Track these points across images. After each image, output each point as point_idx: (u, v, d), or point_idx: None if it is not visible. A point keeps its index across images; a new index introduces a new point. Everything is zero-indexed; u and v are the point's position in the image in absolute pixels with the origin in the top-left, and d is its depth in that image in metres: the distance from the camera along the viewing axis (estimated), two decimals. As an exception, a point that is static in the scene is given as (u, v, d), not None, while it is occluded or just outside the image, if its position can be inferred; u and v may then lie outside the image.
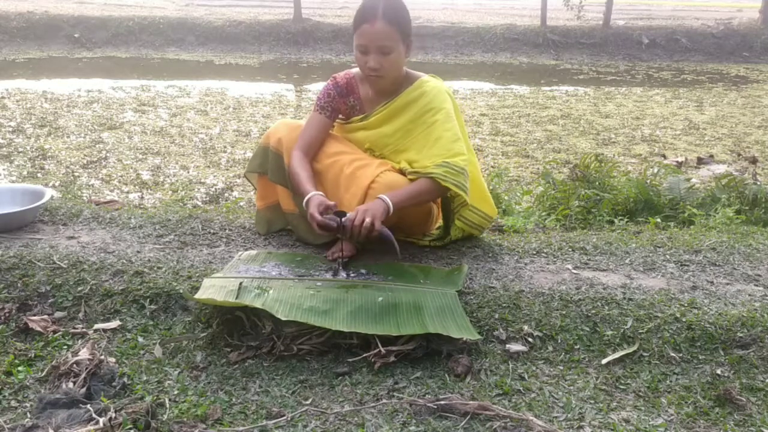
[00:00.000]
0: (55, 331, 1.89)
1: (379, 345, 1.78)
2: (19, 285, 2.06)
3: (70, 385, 1.61)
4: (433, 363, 1.79)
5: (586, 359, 1.85)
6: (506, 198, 3.62)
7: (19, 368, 1.72)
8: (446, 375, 1.74)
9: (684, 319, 1.94)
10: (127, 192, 4.29)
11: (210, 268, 2.17)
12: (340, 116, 2.45)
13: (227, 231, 2.57)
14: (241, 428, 1.51)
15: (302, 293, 1.93)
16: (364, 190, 2.20)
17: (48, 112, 6.62)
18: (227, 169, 4.92)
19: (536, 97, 8.74)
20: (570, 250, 2.47)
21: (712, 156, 5.79)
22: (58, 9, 13.56)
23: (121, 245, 2.35)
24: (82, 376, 1.63)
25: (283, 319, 1.77)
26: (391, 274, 2.14)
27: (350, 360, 1.78)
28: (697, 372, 1.80)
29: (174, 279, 2.09)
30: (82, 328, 1.92)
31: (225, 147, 5.56)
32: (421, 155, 2.26)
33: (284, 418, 1.55)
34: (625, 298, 2.05)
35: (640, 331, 1.91)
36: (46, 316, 1.95)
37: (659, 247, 2.53)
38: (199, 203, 4.03)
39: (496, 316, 1.97)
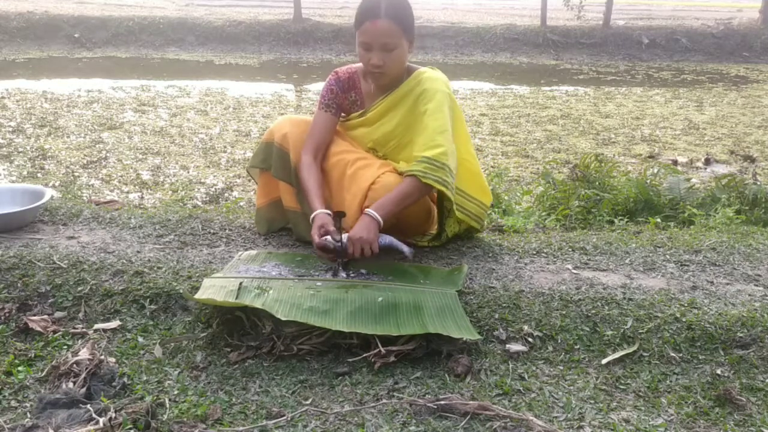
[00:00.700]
0: (55, 331, 1.89)
1: (379, 345, 1.78)
2: (19, 285, 2.06)
3: (70, 385, 1.61)
4: (433, 363, 1.79)
5: (586, 359, 1.85)
6: (506, 198, 3.62)
7: (19, 368, 1.71)
8: (446, 375, 1.74)
9: (684, 319, 1.94)
10: (127, 192, 4.29)
11: (210, 268, 2.17)
12: (342, 113, 2.45)
13: (227, 231, 2.57)
14: (241, 428, 1.51)
15: (302, 293, 1.93)
16: (365, 191, 2.21)
17: (48, 112, 6.62)
18: (227, 169, 4.92)
19: (536, 97, 8.74)
20: (570, 250, 2.47)
21: (710, 157, 5.79)
22: (58, 9, 13.56)
23: (121, 245, 2.35)
24: (82, 376, 1.63)
25: (283, 319, 1.77)
26: (391, 274, 2.14)
27: (350, 360, 1.78)
28: (697, 372, 1.80)
29: (174, 279, 2.09)
30: (82, 328, 1.92)
31: (225, 147, 5.56)
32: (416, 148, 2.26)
33: (284, 418, 1.55)
34: (625, 298, 2.05)
35: (640, 331, 1.91)
36: (46, 316, 1.95)
37: (659, 247, 2.53)
38: (199, 203, 4.03)
39: (496, 316, 1.97)
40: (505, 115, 7.38)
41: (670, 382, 1.77)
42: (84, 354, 1.71)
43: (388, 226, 2.17)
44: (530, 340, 1.90)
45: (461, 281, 2.08)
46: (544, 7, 14.10)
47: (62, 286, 2.06)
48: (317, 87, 8.95)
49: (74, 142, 5.53)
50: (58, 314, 1.97)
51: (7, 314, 1.95)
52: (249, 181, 4.51)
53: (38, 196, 2.54)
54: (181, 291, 2.01)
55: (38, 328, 1.88)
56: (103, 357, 1.71)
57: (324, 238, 2.07)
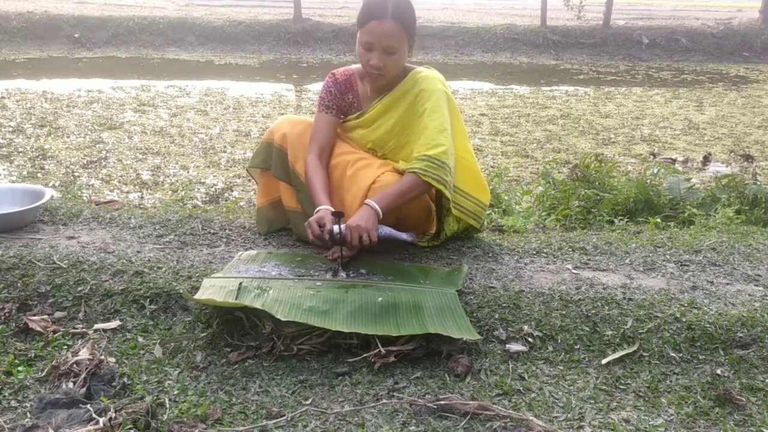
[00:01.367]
0: (55, 331, 1.89)
1: (379, 345, 1.78)
2: (19, 285, 2.06)
3: (70, 385, 1.61)
4: (433, 363, 1.79)
5: (586, 359, 1.85)
6: (506, 198, 3.61)
7: (19, 368, 1.71)
8: (446, 375, 1.74)
9: (684, 319, 1.94)
10: (127, 192, 4.29)
11: (210, 268, 2.17)
12: (340, 115, 2.45)
13: (227, 231, 2.57)
14: (241, 428, 1.51)
15: (302, 293, 1.93)
16: (365, 191, 2.21)
17: (48, 112, 6.62)
18: (227, 169, 4.92)
19: (536, 97, 8.74)
20: (570, 250, 2.47)
21: (709, 156, 5.79)
22: (58, 9, 13.56)
23: (121, 245, 2.35)
24: (82, 376, 1.63)
25: (283, 319, 1.77)
26: (391, 274, 2.14)
27: (350, 360, 1.78)
28: (697, 372, 1.80)
29: (174, 279, 2.09)
30: (82, 328, 1.92)
31: (225, 147, 5.56)
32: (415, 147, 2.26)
33: (284, 418, 1.55)
34: (625, 298, 2.05)
35: (640, 331, 1.91)
36: (46, 316, 1.95)
37: (659, 247, 2.53)
38: (199, 203, 4.03)
39: (496, 316, 1.97)
40: (505, 115, 7.38)
41: (670, 382, 1.77)
42: (84, 354, 1.70)
43: (388, 225, 2.17)
44: (530, 340, 1.90)
45: (461, 281, 2.08)
46: (544, 7, 14.11)
47: (62, 286, 2.06)
48: (317, 87, 8.95)
49: (74, 142, 5.53)
50: (58, 314, 1.97)
51: (7, 314, 1.94)
52: (249, 181, 4.51)
53: (38, 196, 2.54)
54: (181, 291, 2.01)
55: (38, 328, 1.88)
56: (103, 357, 1.71)
57: (321, 228, 2.08)
